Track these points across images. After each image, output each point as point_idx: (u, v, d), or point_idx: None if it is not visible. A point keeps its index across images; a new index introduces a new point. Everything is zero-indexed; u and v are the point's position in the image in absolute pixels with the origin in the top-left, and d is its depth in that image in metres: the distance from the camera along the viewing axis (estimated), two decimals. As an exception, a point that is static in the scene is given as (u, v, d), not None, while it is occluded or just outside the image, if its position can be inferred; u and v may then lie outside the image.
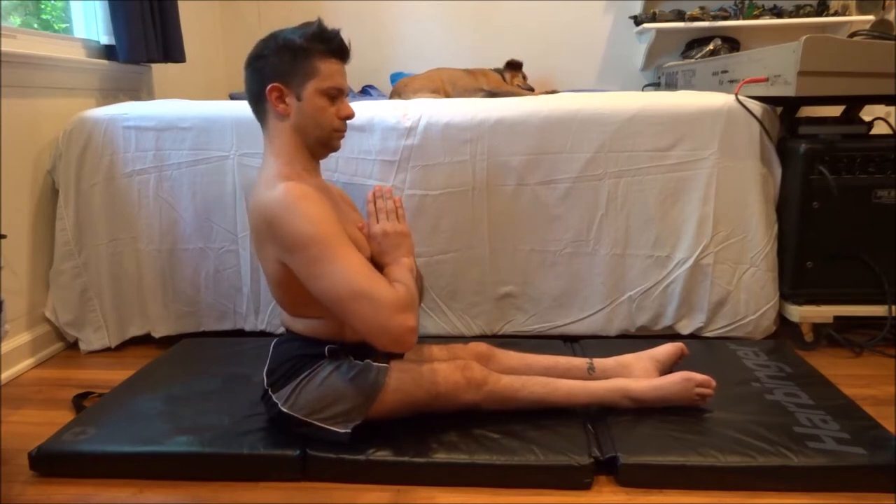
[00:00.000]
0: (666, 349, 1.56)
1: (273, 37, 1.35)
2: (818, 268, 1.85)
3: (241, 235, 1.95)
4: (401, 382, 1.33)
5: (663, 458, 1.26)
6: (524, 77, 2.86)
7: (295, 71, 1.32)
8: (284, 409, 1.32)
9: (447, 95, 2.54)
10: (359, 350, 1.36)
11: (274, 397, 1.33)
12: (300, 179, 1.31)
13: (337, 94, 1.36)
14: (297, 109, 1.34)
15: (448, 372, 1.35)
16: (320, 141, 1.38)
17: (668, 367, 1.54)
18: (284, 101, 1.34)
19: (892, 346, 1.85)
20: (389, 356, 1.40)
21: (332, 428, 1.30)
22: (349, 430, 1.30)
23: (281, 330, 1.96)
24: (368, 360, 1.35)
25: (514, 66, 2.83)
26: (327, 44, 1.34)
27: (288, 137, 1.36)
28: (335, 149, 1.42)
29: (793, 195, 1.85)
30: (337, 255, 1.22)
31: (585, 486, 1.24)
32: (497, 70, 2.79)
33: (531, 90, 2.75)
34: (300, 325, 1.38)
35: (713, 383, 1.41)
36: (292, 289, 1.32)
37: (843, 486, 1.22)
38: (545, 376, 1.45)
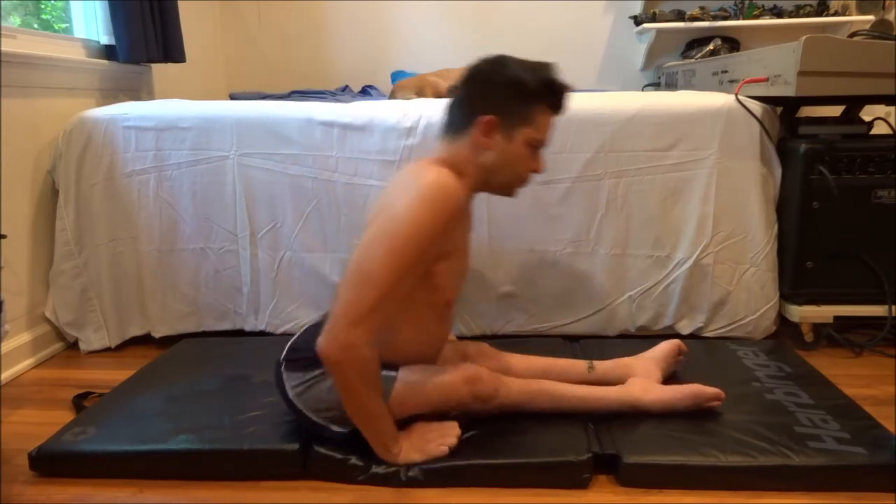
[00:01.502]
0: (664, 348, 1.56)
1: (505, 65, 1.29)
2: (818, 268, 1.85)
3: (241, 235, 1.95)
4: (406, 397, 1.31)
5: (664, 457, 1.26)
6: None
7: (516, 112, 1.28)
8: (290, 396, 1.31)
9: (434, 94, 2.54)
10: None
11: (284, 375, 1.32)
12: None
13: (540, 147, 1.33)
14: (500, 149, 1.29)
15: (455, 387, 1.32)
16: (502, 185, 1.35)
17: (669, 365, 1.54)
18: (491, 136, 1.28)
19: (892, 346, 1.85)
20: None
21: (332, 427, 1.30)
22: (347, 431, 1.29)
23: (282, 330, 1.97)
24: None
25: None
26: (554, 97, 1.30)
27: (472, 166, 1.30)
28: (509, 196, 1.39)
29: (793, 195, 1.85)
30: (390, 267, 1.18)
31: (584, 483, 1.24)
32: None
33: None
34: None
35: (723, 396, 1.40)
36: None
37: (843, 485, 1.22)
38: (546, 378, 1.44)
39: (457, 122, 1.32)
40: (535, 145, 1.32)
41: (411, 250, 1.20)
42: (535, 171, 1.35)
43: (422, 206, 1.20)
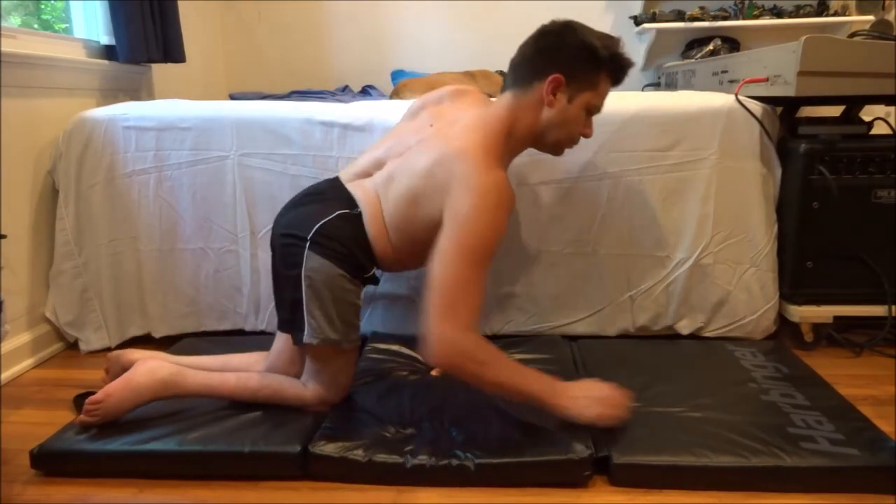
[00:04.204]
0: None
1: (574, 29, 1.37)
2: (818, 268, 1.86)
3: (241, 235, 1.95)
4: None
5: (655, 458, 1.26)
6: None
7: (583, 76, 1.36)
8: (304, 273, 1.35)
9: None
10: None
11: (307, 253, 1.35)
12: (503, 168, 1.37)
13: (595, 113, 1.44)
14: (561, 109, 1.38)
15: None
16: (553, 143, 1.44)
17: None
18: (555, 95, 1.37)
19: (892, 346, 1.85)
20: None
21: (311, 325, 1.36)
22: (316, 342, 1.36)
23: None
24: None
25: None
26: (619, 71, 1.39)
27: (528, 123, 1.40)
28: (556, 154, 1.50)
29: (793, 195, 1.85)
30: (471, 270, 1.26)
31: (584, 480, 1.25)
32: (500, 72, 2.79)
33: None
34: (381, 247, 1.41)
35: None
36: (415, 240, 1.38)
37: (835, 486, 1.22)
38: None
39: (523, 77, 1.39)
40: (591, 110, 1.42)
41: (486, 257, 1.28)
42: (585, 135, 1.45)
43: (489, 213, 1.27)
